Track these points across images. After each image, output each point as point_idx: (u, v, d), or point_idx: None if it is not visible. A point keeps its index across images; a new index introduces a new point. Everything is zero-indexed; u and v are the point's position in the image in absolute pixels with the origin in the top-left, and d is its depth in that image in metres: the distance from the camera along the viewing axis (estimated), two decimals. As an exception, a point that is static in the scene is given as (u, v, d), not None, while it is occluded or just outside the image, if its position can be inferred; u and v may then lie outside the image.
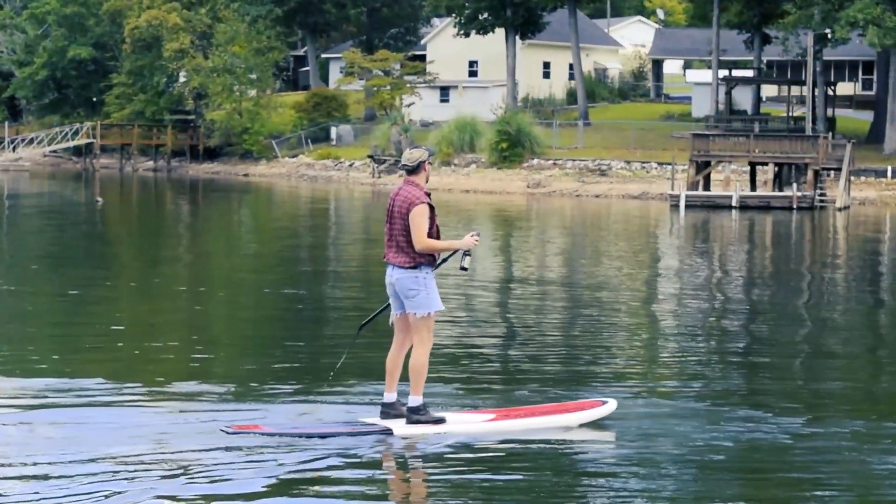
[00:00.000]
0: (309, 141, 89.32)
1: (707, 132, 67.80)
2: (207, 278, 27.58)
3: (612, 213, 56.53)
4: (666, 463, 11.14)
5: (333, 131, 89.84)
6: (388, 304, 12.36)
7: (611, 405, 12.53)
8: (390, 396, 12.25)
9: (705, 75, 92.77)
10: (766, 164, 63.67)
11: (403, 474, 11.13)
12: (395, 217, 12.13)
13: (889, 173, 69.55)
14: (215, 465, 10.79)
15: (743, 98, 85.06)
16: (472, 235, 12.22)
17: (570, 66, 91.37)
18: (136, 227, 46.04)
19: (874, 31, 68.88)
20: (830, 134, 67.10)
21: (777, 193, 61.64)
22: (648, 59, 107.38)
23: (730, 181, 65.37)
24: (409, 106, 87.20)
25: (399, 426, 11.97)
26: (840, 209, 58.56)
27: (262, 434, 11.75)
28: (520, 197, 66.69)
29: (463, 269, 12.22)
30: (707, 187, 62.40)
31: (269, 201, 64.17)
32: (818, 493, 10.43)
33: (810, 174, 60.29)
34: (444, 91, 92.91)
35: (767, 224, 50.18)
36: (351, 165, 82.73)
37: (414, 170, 12.26)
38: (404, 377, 12.19)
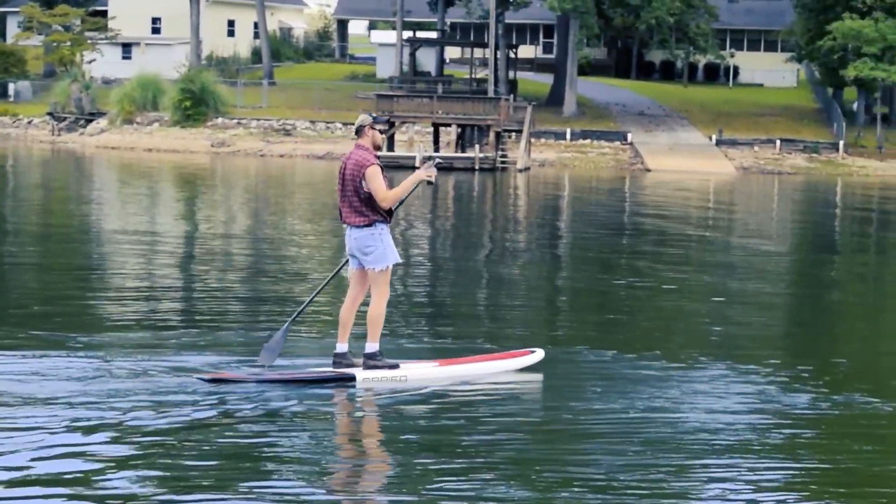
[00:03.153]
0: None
1: (391, 93, 68.20)
2: None
3: (297, 173, 56.28)
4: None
5: (11, 88, 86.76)
6: (347, 261, 13.05)
7: (539, 353, 13.44)
8: (342, 347, 12.90)
9: (390, 36, 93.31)
10: (449, 125, 64.38)
11: (366, 416, 11.91)
12: (347, 180, 12.72)
13: (568, 135, 71.38)
14: (194, 410, 11.26)
15: (427, 59, 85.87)
16: (425, 168, 12.91)
17: (255, 25, 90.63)
18: None
19: (554, -5, 70.41)
20: (512, 96, 68.38)
21: (460, 154, 62.42)
22: (333, 18, 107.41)
23: (413, 142, 65.92)
24: (90, 63, 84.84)
25: (359, 372, 12.70)
26: (521, 170, 59.74)
27: (232, 381, 12.33)
28: (203, 156, 65.77)
29: (430, 184, 12.95)
30: (391, 147, 62.74)
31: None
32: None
33: (492, 135, 61.29)
34: (127, 48, 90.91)
35: (450, 184, 50.75)
36: (30, 123, 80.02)
37: (357, 133, 12.93)
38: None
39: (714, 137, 72.65)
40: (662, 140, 71.76)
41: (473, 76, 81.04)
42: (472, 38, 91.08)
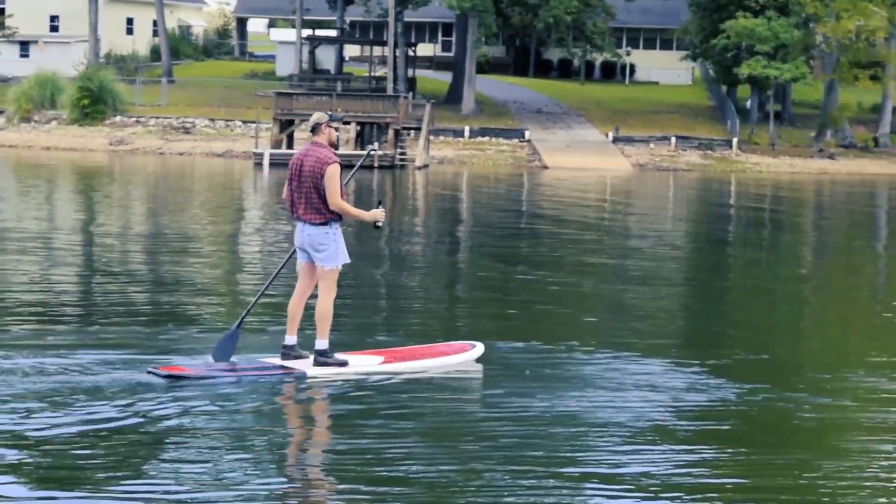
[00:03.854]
0: None
1: (291, 91, 68.31)
2: None
3: (197, 171, 56.29)
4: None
5: None
6: (293, 253, 13.28)
7: (479, 348, 13.80)
8: (291, 339, 13.11)
9: (289, 34, 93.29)
10: (348, 123, 64.62)
11: (316, 410, 12.06)
12: (306, 176, 12.84)
13: (466, 133, 71.91)
14: (157, 406, 11.33)
15: (326, 57, 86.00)
16: (379, 209, 13.30)
17: (154, 23, 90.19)
18: None
19: (452, -6, 70.92)
20: (411, 94, 68.82)
21: (359, 152, 62.68)
22: (233, 16, 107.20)
23: (314, 140, 65.99)
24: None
25: (310, 368, 12.88)
26: (420, 168, 60.17)
27: (186, 376, 12.36)
28: (102, 155, 65.48)
29: (377, 227, 13.34)
30: (291, 145, 62.86)
31: None
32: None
33: (391, 133, 61.66)
34: (24, 46, 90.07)
35: (350, 182, 50.94)
36: (-77, 121, 79.15)
37: (313, 130, 13.04)
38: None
39: (611, 135, 73.55)
40: (560, 137, 72.54)
41: (373, 74, 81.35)
42: (371, 37, 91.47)
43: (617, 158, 69.45)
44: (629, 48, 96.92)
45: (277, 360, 13.10)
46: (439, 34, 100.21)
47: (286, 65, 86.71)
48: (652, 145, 72.62)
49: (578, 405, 11.91)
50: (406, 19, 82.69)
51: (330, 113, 13.27)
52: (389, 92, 69.01)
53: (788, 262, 27.58)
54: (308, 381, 12.65)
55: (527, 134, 72.01)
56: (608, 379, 13.10)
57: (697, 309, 19.91)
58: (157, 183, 49.04)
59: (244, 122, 71.75)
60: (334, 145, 13.14)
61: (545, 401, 12.03)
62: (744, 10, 74.07)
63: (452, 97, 78.84)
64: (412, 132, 64.13)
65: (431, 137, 64.76)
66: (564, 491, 9.37)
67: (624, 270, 23.93)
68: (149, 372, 12.40)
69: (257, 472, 9.55)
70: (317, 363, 12.97)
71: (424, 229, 33.05)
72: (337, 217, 12.95)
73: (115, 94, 74.15)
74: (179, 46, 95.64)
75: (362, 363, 13.23)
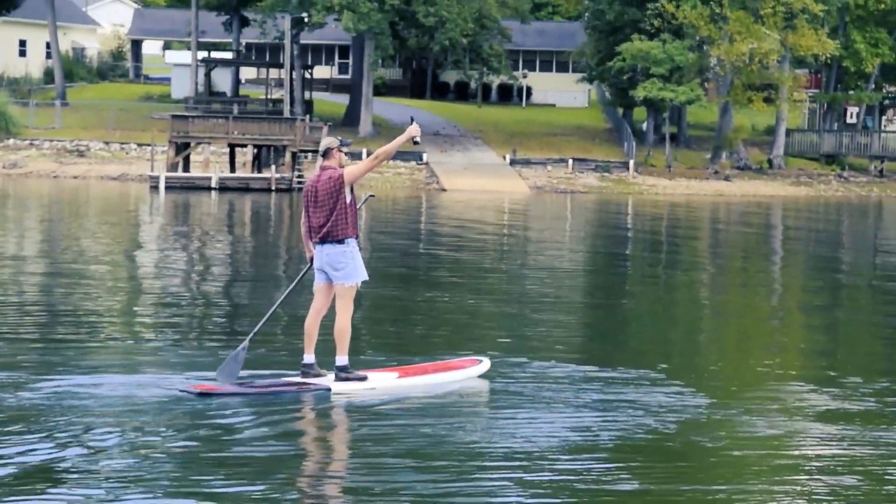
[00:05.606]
0: None
1: (186, 113, 67.77)
2: None
3: (92, 195, 55.63)
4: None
5: None
6: (306, 271, 13.82)
7: (486, 363, 14.31)
8: (309, 357, 13.52)
9: (185, 56, 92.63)
10: (245, 145, 64.27)
11: (342, 424, 12.40)
12: (323, 196, 13.31)
13: (364, 155, 71.52)
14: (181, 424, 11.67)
15: (222, 80, 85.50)
16: (414, 125, 13.52)
17: (48, 45, 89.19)
18: None
19: (349, 15, 70.91)
20: (308, 116, 68.57)
21: (256, 175, 62.40)
22: (127, 39, 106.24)
23: (209, 162, 65.64)
24: None
25: (334, 384, 13.35)
26: (317, 190, 59.85)
27: (220, 394, 12.82)
28: (-6, 178, 64.58)
29: (416, 143, 13.56)
30: (187, 168, 62.40)
31: None
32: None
33: (288, 156, 61.37)
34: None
35: (246, 205, 50.74)
36: None
37: (325, 155, 13.50)
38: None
39: (508, 157, 73.79)
40: (458, 160, 72.65)
41: (269, 96, 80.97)
42: (267, 59, 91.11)
43: (514, 181, 69.68)
44: (526, 70, 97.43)
45: (298, 378, 13.53)
46: (336, 56, 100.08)
47: (182, 87, 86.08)
48: (549, 167, 72.96)
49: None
50: (302, 41, 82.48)
51: (340, 139, 13.83)
52: (286, 114, 68.68)
53: (683, 284, 27.74)
54: (332, 394, 13.17)
55: (424, 157, 72.02)
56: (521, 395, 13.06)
57: (604, 325, 19.94)
58: (51, 207, 48.34)
59: (139, 144, 71.08)
60: (342, 167, 13.57)
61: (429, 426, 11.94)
62: (639, 33, 74.73)
63: (350, 120, 78.73)
64: (309, 155, 63.88)
65: (329, 160, 64.51)
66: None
67: (519, 291, 23.92)
68: (181, 391, 12.85)
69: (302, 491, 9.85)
70: (338, 378, 13.45)
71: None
72: (354, 235, 13.43)
73: (8, 117, 73.15)
74: (73, 69, 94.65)
75: (380, 379, 13.76)
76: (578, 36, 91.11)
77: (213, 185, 58.69)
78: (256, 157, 64.63)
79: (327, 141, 13.60)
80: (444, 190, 66.43)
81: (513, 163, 73.10)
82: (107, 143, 72.68)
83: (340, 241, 13.33)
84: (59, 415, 11.85)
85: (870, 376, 15.51)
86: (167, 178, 58.81)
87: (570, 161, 73.46)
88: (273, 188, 58.85)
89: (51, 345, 15.87)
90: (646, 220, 51.55)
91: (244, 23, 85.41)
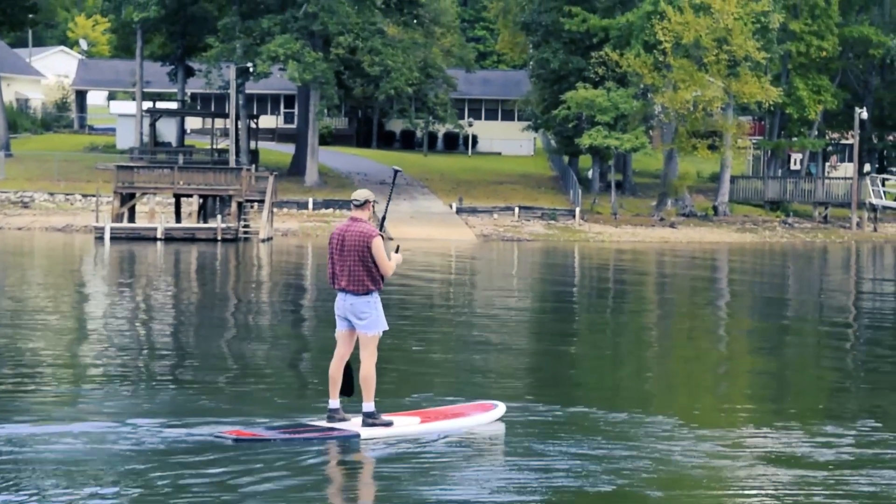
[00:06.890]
0: None
1: (132, 164, 67.51)
2: None
3: (36, 246, 55.23)
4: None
5: None
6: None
7: (501, 408, 14.77)
8: (335, 403, 13.99)
9: (130, 107, 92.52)
10: (191, 195, 64.00)
11: (373, 467, 12.74)
12: (349, 249, 13.87)
13: (310, 205, 71.73)
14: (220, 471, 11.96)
15: (168, 130, 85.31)
16: (398, 253, 14.28)
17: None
18: None
19: (294, 65, 70.95)
20: (254, 166, 68.39)
21: (202, 225, 62.08)
22: (72, 89, 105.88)
23: (155, 213, 65.32)
24: None
25: (362, 430, 13.70)
26: (263, 240, 59.75)
27: (255, 440, 13.19)
28: (-63, 230, 63.99)
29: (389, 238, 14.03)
30: (132, 219, 62.06)
31: None
32: None
33: (234, 206, 61.15)
34: None
35: (192, 255, 50.49)
36: None
37: (361, 206, 14.04)
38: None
39: (454, 205, 73.90)
40: (404, 208, 72.61)
41: (215, 146, 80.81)
42: (212, 109, 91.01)
43: (461, 229, 69.74)
44: (471, 119, 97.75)
45: (325, 423, 13.91)
46: (281, 106, 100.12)
47: (127, 137, 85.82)
48: (496, 215, 73.09)
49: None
50: (248, 91, 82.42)
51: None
52: (232, 164, 68.44)
53: (631, 329, 27.79)
54: (361, 439, 13.53)
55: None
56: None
57: (548, 364, 19.93)
58: (12, 259, 47.98)
59: (84, 195, 70.72)
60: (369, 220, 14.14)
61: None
62: (584, 81, 75.16)
63: (296, 169, 78.64)
64: (255, 204, 63.71)
65: (275, 209, 64.41)
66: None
67: (465, 337, 23.90)
68: (215, 436, 13.20)
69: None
70: (365, 424, 13.78)
71: (269, 303, 32.78)
72: (378, 287, 13.87)
73: (-50, 169, 72.67)
74: (17, 120, 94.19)
75: (404, 423, 14.09)
76: (523, 84, 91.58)
77: (158, 235, 58.36)
78: (202, 207, 64.34)
79: (365, 193, 14.06)
80: (390, 239, 66.16)
81: (459, 211, 73.21)
82: (51, 194, 72.28)
83: (366, 293, 13.82)
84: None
85: (814, 417, 15.57)
86: (112, 228, 58.42)
87: (517, 209, 73.64)
88: (219, 238, 58.58)
89: (-8, 396, 15.68)
90: (592, 267, 51.68)
91: (189, 73, 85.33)
